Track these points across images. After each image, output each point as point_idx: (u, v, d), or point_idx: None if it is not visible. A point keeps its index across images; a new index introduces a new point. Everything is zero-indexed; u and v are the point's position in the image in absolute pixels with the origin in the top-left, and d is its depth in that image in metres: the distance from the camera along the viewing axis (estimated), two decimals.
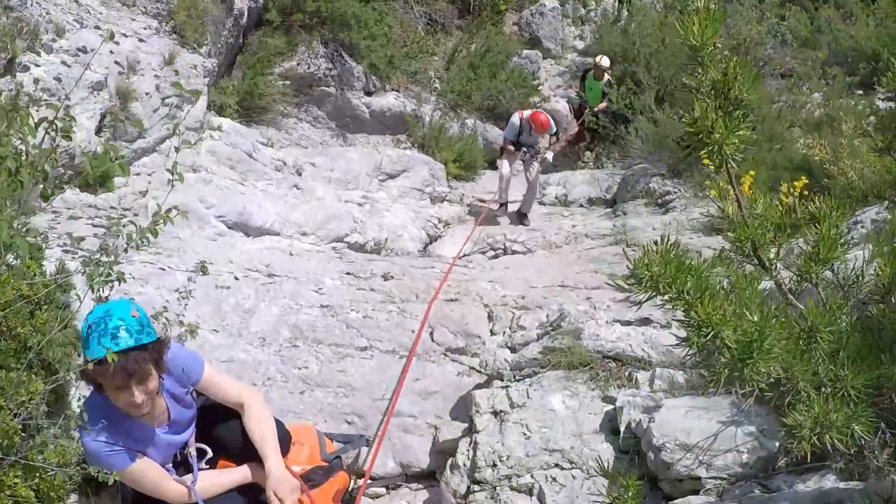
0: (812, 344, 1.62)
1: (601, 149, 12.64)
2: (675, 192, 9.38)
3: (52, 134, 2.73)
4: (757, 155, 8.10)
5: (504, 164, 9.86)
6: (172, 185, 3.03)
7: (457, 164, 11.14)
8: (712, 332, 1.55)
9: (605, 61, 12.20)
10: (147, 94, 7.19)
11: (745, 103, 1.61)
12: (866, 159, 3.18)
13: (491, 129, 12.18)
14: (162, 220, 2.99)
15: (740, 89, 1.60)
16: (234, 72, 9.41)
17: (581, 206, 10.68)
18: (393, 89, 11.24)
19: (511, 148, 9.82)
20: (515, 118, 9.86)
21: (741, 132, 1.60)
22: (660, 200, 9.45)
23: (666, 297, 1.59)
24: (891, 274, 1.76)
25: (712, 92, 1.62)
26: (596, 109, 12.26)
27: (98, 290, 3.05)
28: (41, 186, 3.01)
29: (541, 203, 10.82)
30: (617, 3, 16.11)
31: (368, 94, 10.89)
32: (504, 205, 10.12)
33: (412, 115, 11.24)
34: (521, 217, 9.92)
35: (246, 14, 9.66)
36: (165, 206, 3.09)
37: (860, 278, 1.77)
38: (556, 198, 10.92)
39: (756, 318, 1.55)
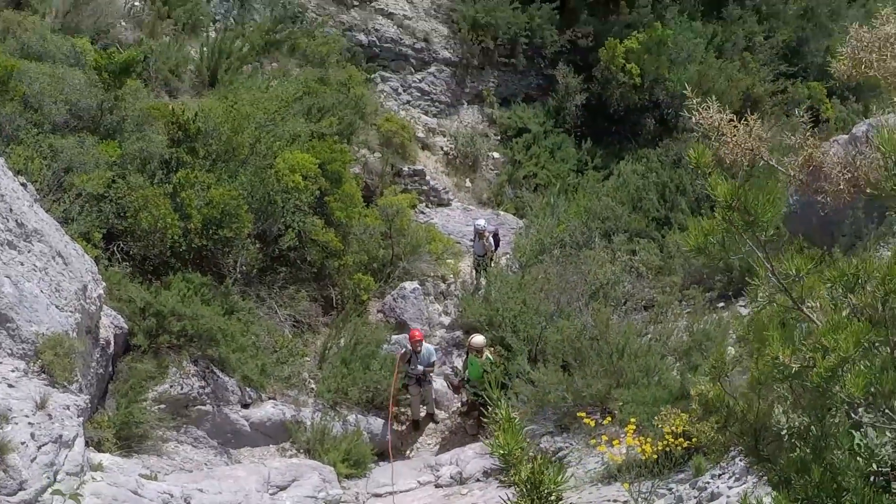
0: None
1: (486, 420, 13.34)
2: (566, 447, 10.08)
3: None
4: (636, 394, 9.06)
5: (412, 393, 13.38)
6: None
7: (346, 464, 11.55)
8: None
9: (476, 340, 13.19)
10: (23, 443, 7.45)
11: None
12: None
13: (373, 420, 12.79)
14: None
15: (550, 482, 2.31)
16: (107, 401, 9.77)
17: (478, 480, 11.14)
18: (270, 397, 11.81)
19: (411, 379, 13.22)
20: (405, 351, 13.20)
21: None
22: (553, 458, 10.11)
23: None
24: None
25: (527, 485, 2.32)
26: (474, 381, 13.15)
27: None
28: None
29: (437, 486, 11.27)
30: (474, 273, 17.73)
31: (245, 406, 11.40)
32: (417, 420, 13.58)
33: (293, 421, 11.75)
34: (431, 418, 13.70)
35: (112, 342, 10.21)
36: None
37: None
38: (451, 477, 11.38)
39: None
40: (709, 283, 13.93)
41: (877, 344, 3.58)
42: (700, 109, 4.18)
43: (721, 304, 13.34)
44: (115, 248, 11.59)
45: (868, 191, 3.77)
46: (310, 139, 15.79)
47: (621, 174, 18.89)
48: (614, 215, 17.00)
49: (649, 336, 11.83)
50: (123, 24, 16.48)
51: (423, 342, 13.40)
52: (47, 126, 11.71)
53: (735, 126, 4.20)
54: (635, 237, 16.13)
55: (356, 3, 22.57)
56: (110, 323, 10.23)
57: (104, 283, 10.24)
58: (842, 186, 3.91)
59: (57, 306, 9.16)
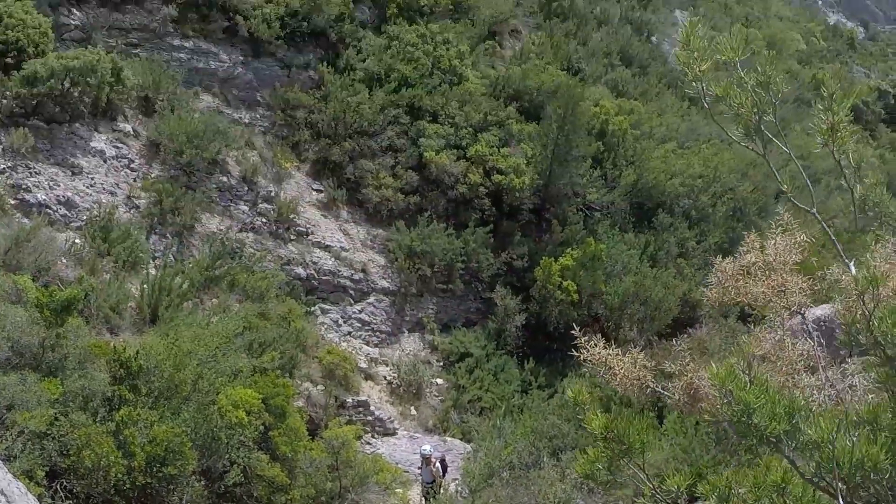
0: None
1: None
2: None
3: None
4: None
5: None
6: None
7: None
8: None
9: None
10: None
11: None
12: None
13: None
14: None
15: None
16: None
17: None
18: None
19: None
20: None
21: None
22: None
23: None
24: None
25: None
26: None
27: None
28: None
29: None
30: (423, 501, 18.10)
31: None
32: None
33: None
34: None
35: None
36: None
37: None
38: None
39: None
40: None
41: None
42: (588, 347, 5.08)
43: None
44: (58, 486, 11.81)
45: (706, 417, 4.63)
46: (252, 374, 16.50)
47: (566, 391, 19.80)
48: (561, 433, 17.70)
49: None
50: (64, 261, 17.41)
51: None
52: None
53: (621, 359, 5.10)
54: (584, 453, 16.74)
55: (293, 237, 24.08)
56: None
57: None
58: (719, 407, 4.69)
59: None
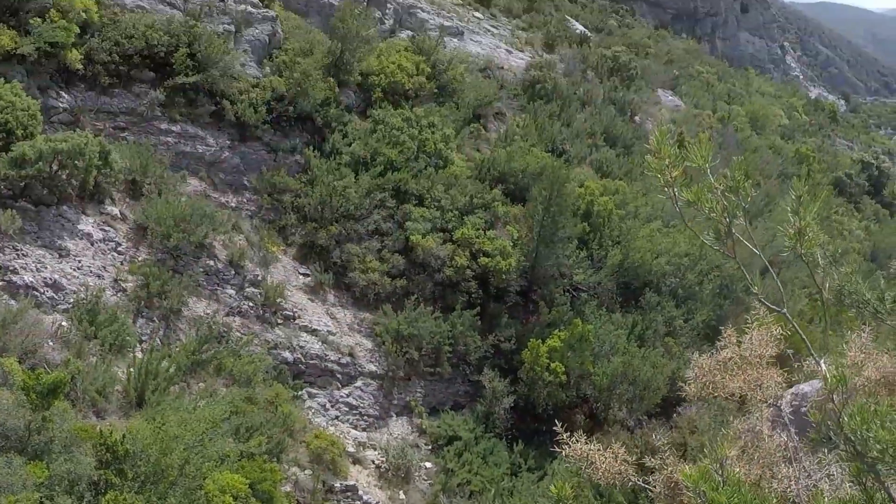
0: None
1: None
2: None
3: None
4: None
5: None
6: None
7: None
8: None
9: None
10: None
11: None
12: None
13: None
14: None
15: None
16: None
17: None
18: None
19: None
20: None
21: None
22: None
23: None
24: None
25: None
26: None
27: None
28: None
29: None
30: None
31: None
32: None
33: None
34: None
35: None
36: None
37: None
38: None
39: None
40: None
41: None
42: (569, 442, 5.27)
43: None
44: None
45: None
46: (239, 459, 16.54)
47: (556, 473, 19.88)
48: None
49: None
50: (51, 343, 17.49)
51: None
52: None
53: (602, 454, 5.29)
54: None
55: (280, 321, 24.19)
56: None
57: None
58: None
59: None
